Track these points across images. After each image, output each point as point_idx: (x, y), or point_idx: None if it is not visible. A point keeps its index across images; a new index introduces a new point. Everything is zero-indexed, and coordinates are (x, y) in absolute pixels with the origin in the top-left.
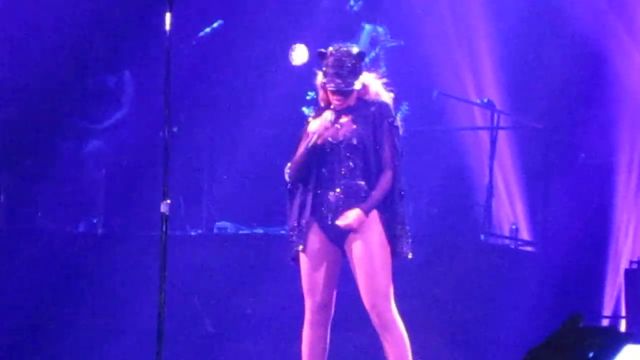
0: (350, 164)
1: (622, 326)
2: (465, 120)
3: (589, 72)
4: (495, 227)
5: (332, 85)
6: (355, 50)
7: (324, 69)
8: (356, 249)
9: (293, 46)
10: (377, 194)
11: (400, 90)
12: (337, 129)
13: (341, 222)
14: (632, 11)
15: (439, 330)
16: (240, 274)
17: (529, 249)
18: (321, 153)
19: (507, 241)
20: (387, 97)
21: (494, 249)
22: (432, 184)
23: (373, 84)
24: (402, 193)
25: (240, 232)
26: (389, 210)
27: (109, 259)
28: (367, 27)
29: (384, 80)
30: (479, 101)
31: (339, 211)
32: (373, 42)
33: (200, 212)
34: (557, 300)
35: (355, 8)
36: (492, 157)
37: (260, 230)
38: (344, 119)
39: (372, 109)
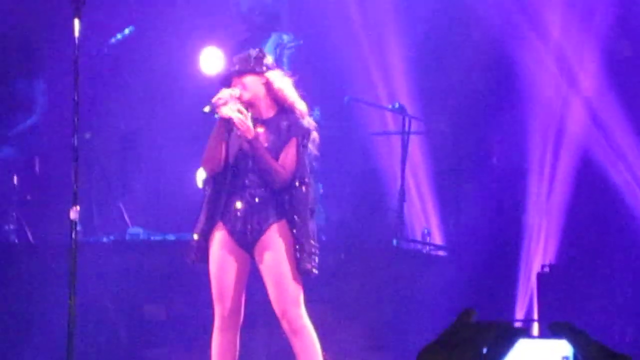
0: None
1: (535, 329)
2: (376, 125)
3: (499, 76)
4: (407, 232)
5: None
6: (253, 52)
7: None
8: (266, 256)
9: (204, 50)
10: (267, 156)
11: (311, 96)
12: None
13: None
14: (541, 14)
15: (353, 336)
16: (152, 280)
17: (441, 253)
18: (235, 163)
19: (419, 245)
20: (302, 105)
21: (406, 254)
22: (344, 189)
23: (285, 88)
24: (313, 209)
25: (152, 238)
26: (300, 225)
27: (22, 267)
28: (273, 35)
29: (292, 79)
30: (390, 106)
31: (247, 219)
32: (277, 47)
33: (113, 219)
34: (470, 304)
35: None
36: (403, 161)
37: (172, 237)
38: (259, 129)
39: (285, 123)
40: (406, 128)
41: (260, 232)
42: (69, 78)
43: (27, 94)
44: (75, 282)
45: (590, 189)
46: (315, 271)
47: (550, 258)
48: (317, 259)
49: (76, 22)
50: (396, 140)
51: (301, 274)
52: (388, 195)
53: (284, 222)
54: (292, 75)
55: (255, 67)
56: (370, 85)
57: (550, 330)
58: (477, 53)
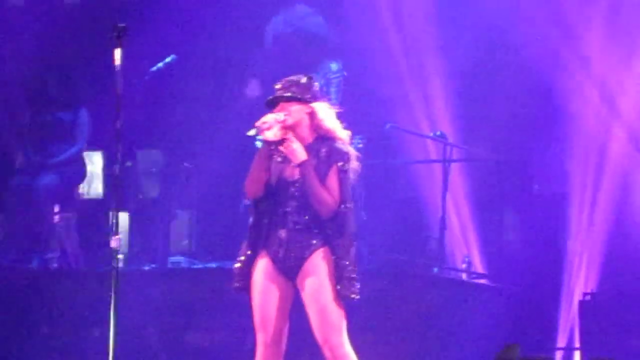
0: (305, 199)
1: (577, 358)
2: (418, 153)
3: (540, 103)
4: (448, 260)
5: (280, 93)
6: (303, 79)
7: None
8: (308, 283)
9: (248, 80)
10: (317, 183)
11: (353, 124)
12: (293, 168)
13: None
14: (582, 40)
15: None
16: (194, 307)
17: (482, 281)
18: (276, 190)
19: (460, 274)
20: (343, 134)
21: (447, 282)
22: (386, 216)
23: (329, 119)
24: (354, 234)
25: (194, 266)
26: (342, 251)
27: (63, 295)
28: (333, 64)
29: (337, 109)
30: (431, 134)
31: (289, 247)
32: (323, 75)
33: (155, 247)
34: (512, 332)
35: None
36: (444, 189)
37: (213, 265)
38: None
39: (324, 150)
40: (447, 156)
41: (303, 259)
42: (111, 107)
43: (71, 124)
44: (117, 310)
45: (632, 216)
46: (355, 297)
47: (592, 286)
48: (358, 285)
49: (117, 51)
50: (437, 168)
51: (342, 300)
52: (429, 223)
53: (326, 248)
54: (338, 107)
55: (303, 94)
56: (411, 113)
57: None
58: (518, 80)
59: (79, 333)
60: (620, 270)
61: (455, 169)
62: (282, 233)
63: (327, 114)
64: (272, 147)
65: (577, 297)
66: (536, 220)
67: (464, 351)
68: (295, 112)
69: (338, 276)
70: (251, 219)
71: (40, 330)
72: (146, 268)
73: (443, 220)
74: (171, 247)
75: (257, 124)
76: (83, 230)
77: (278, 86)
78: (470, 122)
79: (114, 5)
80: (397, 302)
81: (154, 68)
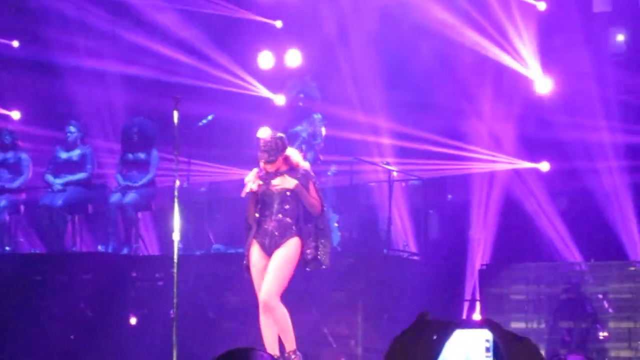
0: (284, 206)
1: (478, 307)
2: (373, 176)
3: (450, 139)
4: (393, 244)
5: (262, 157)
6: (278, 134)
7: (259, 149)
8: (275, 254)
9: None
10: (309, 195)
11: (331, 155)
12: (275, 185)
13: (278, 182)
14: (477, 98)
15: (356, 313)
16: (230, 278)
17: (415, 257)
18: (266, 198)
19: (401, 253)
20: (306, 164)
21: (393, 258)
22: (352, 217)
23: (294, 156)
24: (322, 227)
25: (229, 251)
26: (323, 232)
27: (143, 270)
28: (315, 115)
29: (300, 153)
30: (381, 162)
31: (273, 237)
32: (313, 126)
33: (203, 238)
34: (436, 290)
35: (301, 103)
36: (390, 198)
37: (240, 249)
38: (279, 178)
39: (299, 174)
40: (391, 177)
41: (280, 244)
42: (172, 147)
43: (145, 160)
44: (178, 281)
45: (512, 214)
46: (325, 265)
47: (486, 259)
48: (327, 257)
49: (175, 112)
50: (385, 185)
51: (316, 267)
52: (381, 220)
53: (297, 238)
54: (322, 143)
55: (279, 152)
56: (369, 149)
57: (477, 323)
58: (434, 124)
59: (153, 294)
60: (504, 250)
61: (397, 185)
62: (268, 227)
63: (294, 153)
64: (256, 191)
65: (477, 267)
66: (449, 218)
67: (404, 301)
68: (276, 162)
69: (314, 247)
70: (250, 231)
71: (131, 291)
72: (197, 253)
73: (389, 219)
74: (213, 238)
75: (246, 180)
76: (157, 228)
77: (262, 151)
78: (406, 154)
79: (171, 83)
80: (360, 272)
81: (200, 123)
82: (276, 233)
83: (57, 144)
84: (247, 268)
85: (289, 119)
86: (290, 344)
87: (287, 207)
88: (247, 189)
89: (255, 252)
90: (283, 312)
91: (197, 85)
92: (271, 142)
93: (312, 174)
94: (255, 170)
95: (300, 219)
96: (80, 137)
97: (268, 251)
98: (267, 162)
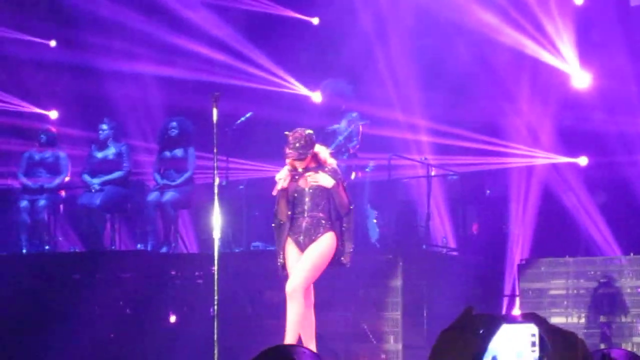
0: (316, 202)
1: (517, 302)
2: (411, 172)
3: (489, 137)
4: (432, 240)
5: (291, 155)
6: (307, 131)
7: (289, 146)
8: (308, 251)
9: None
10: (341, 194)
11: (368, 154)
12: (312, 182)
13: (315, 179)
14: (514, 94)
15: (396, 309)
16: (269, 274)
17: (454, 253)
18: (297, 195)
19: (440, 249)
20: (333, 162)
21: (432, 254)
22: (391, 214)
23: (322, 153)
24: (347, 227)
25: (268, 248)
26: (347, 235)
27: (183, 268)
28: (353, 114)
29: (331, 150)
30: (419, 158)
31: (307, 233)
32: (350, 122)
33: (242, 237)
34: (475, 285)
35: (338, 100)
36: (428, 194)
37: None
38: (309, 174)
39: (328, 171)
40: (430, 173)
41: (314, 240)
42: (211, 146)
43: (183, 158)
44: (219, 277)
45: (550, 210)
46: (348, 265)
47: (525, 255)
48: (349, 256)
49: (214, 110)
50: (424, 181)
51: (338, 266)
52: (419, 216)
53: (332, 233)
54: (357, 145)
55: (309, 149)
56: (407, 146)
57: (523, 318)
58: (474, 124)
59: (192, 292)
60: (542, 245)
61: (435, 181)
62: (302, 224)
63: (322, 150)
64: (286, 188)
65: (516, 262)
66: (487, 213)
67: (438, 299)
68: (305, 161)
69: (341, 249)
70: (282, 218)
71: (170, 289)
72: (237, 250)
73: (428, 214)
74: (253, 236)
75: (276, 179)
76: (195, 226)
77: (292, 148)
78: (444, 150)
79: (208, 82)
80: (399, 268)
81: (238, 121)
82: (310, 229)
83: (92, 143)
84: (283, 266)
85: (325, 117)
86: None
87: (319, 203)
88: (278, 187)
89: (291, 250)
90: (299, 310)
91: (234, 84)
92: (300, 139)
93: (339, 172)
94: (287, 167)
95: (332, 215)
96: (113, 135)
97: (303, 248)
98: (297, 159)
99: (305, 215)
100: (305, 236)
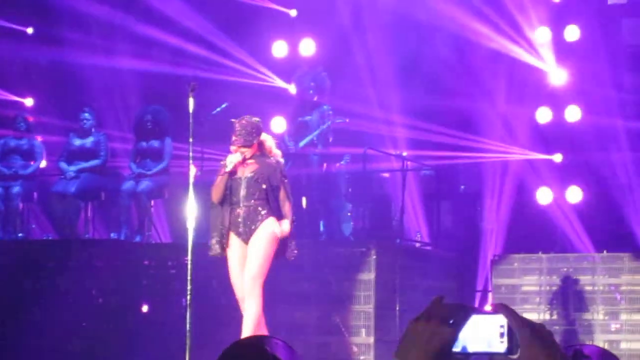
0: (249, 191)
1: (490, 297)
2: (386, 166)
3: (463, 132)
4: (406, 234)
5: (237, 142)
6: (254, 119)
7: (235, 133)
8: (253, 239)
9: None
10: (287, 215)
11: (343, 147)
12: (244, 169)
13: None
14: (490, 88)
15: (369, 303)
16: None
17: (428, 247)
18: (233, 184)
19: (414, 243)
20: (278, 152)
21: (406, 248)
22: (365, 207)
23: (268, 141)
24: (294, 219)
25: None
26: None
27: (156, 257)
28: (325, 106)
29: (276, 140)
30: (394, 153)
31: (245, 223)
32: (323, 117)
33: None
34: (448, 280)
35: (311, 92)
36: (403, 188)
37: None
38: (251, 162)
39: (271, 161)
40: (405, 167)
41: (255, 228)
42: (186, 136)
43: (159, 148)
44: (193, 265)
45: (524, 206)
46: (293, 258)
47: (498, 250)
48: (295, 250)
49: (191, 100)
50: (398, 175)
51: (287, 256)
52: (393, 210)
53: (271, 218)
54: (330, 138)
55: (255, 137)
56: (383, 140)
57: (492, 309)
58: (449, 118)
59: (165, 282)
60: (516, 241)
61: (410, 176)
62: (239, 214)
63: (267, 139)
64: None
65: (489, 258)
66: (461, 209)
67: (417, 291)
68: (251, 149)
69: (285, 243)
70: (219, 208)
71: (143, 278)
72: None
73: (402, 208)
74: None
75: (225, 162)
76: (169, 216)
77: (237, 133)
78: (418, 144)
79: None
80: (372, 261)
81: (214, 111)
82: (247, 219)
83: (70, 132)
84: (223, 253)
85: (298, 108)
86: None
87: (253, 192)
88: (228, 168)
89: (233, 243)
90: (257, 309)
91: (210, 76)
92: (247, 126)
93: (283, 163)
94: (239, 154)
95: (270, 201)
96: (94, 124)
97: (245, 238)
98: (243, 145)
99: (241, 204)
100: (244, 226)
